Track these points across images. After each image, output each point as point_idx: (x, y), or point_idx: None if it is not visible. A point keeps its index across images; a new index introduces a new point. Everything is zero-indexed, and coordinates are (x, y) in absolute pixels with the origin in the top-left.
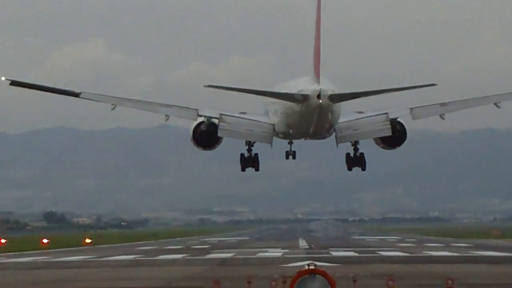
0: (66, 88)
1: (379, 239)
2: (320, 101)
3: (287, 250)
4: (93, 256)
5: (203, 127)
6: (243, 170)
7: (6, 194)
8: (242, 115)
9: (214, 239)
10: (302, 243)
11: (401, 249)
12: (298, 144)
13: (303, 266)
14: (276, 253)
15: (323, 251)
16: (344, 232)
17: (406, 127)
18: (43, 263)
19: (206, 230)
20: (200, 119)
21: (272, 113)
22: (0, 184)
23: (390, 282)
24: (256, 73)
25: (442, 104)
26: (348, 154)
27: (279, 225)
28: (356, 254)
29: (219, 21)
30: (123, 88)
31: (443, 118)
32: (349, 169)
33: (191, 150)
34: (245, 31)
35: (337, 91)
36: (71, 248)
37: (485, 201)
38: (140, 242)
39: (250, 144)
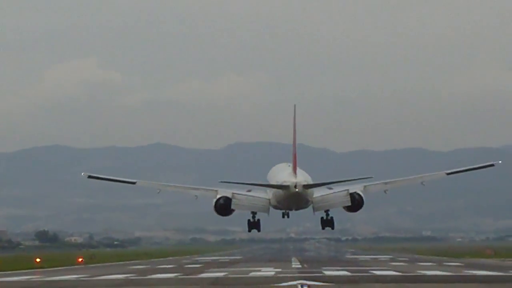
0: (125, 179)
1: (371, 258)
2: (297, 189)
3: (280, 270)
4: (86, 275)
5: (221, 201)
6: (249, 231)
7: None
8: (248, 193)
9: (207, 258)
10: (295, 263)
11: (394, 268)
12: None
13: (295, 285)
14: (269, 272)
15: (315, 270)
16: (337, 251)
17: (363, 196)
18: (36, 282)
19: (199, 249)
20: (219, 196)
21: (268, 191)
22: None
23: None
24: (248, 91)
25: (386, 183)
26: (322, 218)
27: (272, 245)
28: (349, 273)
29: (212, 40)
30: (117, 105)
31: (386, 193)
32: (323, 228)
33: (184, 168)
34: (237, 49)
35: (309, 181)
36: (64, 267)
37: (478, 220)
38: (132, 261)
39: (254, 213)
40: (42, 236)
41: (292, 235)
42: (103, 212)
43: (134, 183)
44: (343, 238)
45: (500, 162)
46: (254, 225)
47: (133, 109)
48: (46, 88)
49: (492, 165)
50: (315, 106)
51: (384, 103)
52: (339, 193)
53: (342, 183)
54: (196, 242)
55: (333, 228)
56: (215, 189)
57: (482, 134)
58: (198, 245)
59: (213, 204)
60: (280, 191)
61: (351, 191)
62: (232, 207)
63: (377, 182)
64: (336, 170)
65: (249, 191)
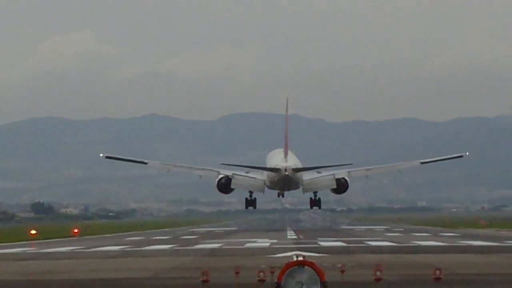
0: (138, 160)
1: (366, 228)
2: (287, 172)
3: (275, 240)
4: (82, 247)
5: (222, 180)
6: (246, 208)
7: None
8: (246, 174)
9: (202, 230)
10: (290, 233)
11: (389, 239)
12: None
13: (291, 256)
14: (264, 243)
15: (311, 241)
16: (332, 222)
17: (348, 181)
18: (31, 254)
19: (194, 220)
20: (220, 176)
21: (264, 173)
22: None
23: (378, 272)
24: (242, 62)
25: (367, 169)
26: (311, 198)
27: (267, 215)
28: (344, 244)
29: (206, 11)
30: (112, 77)
31: (367, 178)
32: (311, 207)
33: (178, 139)
34: (231, 20)
35: (299, 166)
36: (59, 239)
37: (473, 190)
38: (128, 233)
39: (251, 192)
40: (38, 207)
41: (287, 205)
42: (98, 183)
43: (146, 163)
44: (338, 209)
45: (467, 154)
46: (251, 202)
47: (127, 81)
48: (41, 60)
49: (461, 156)
50: (309, 77)
51: (378, 73)
52: (326, 177)
53: (328, 168)
54: (191, 214)
55: (320, 208)
56: (217, 170)
57: (477, 104)
58: (193, 216)
59: (216, 183)
60: (273, 173)
61: (337, 176)
62: (232, 186)
63: (360, 168)
64: (331, 140)
65: (247, 172)
